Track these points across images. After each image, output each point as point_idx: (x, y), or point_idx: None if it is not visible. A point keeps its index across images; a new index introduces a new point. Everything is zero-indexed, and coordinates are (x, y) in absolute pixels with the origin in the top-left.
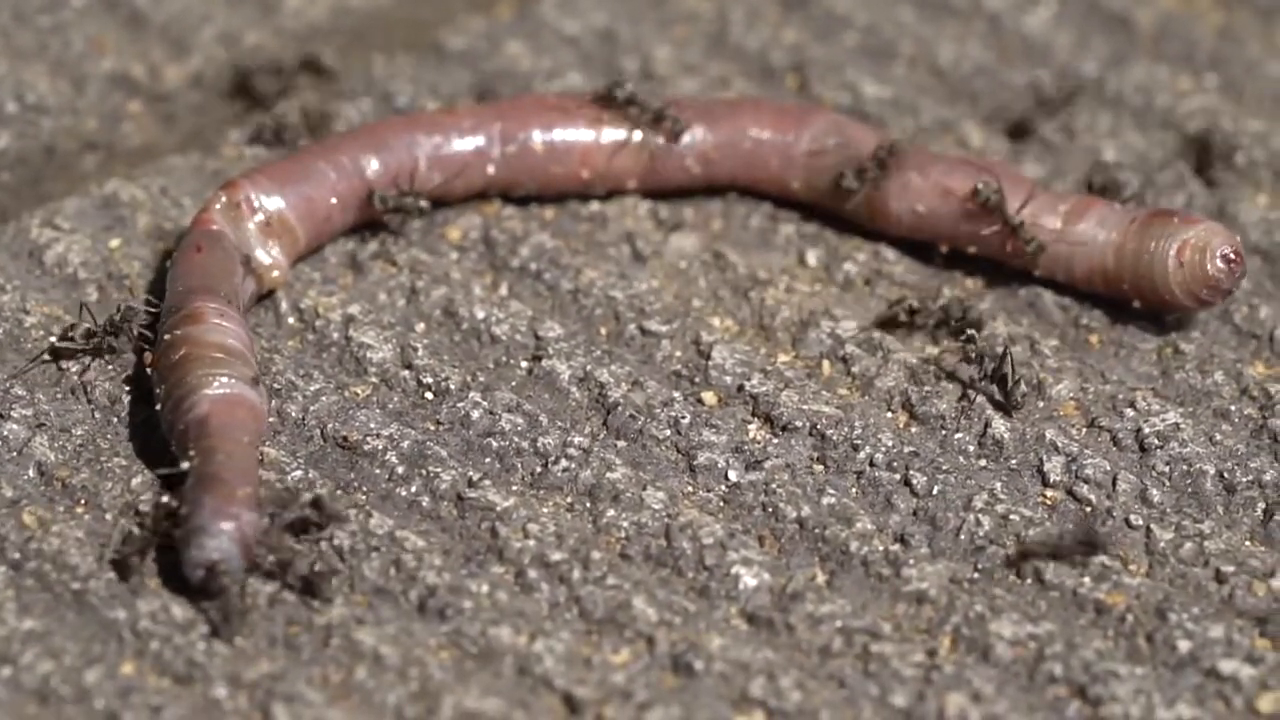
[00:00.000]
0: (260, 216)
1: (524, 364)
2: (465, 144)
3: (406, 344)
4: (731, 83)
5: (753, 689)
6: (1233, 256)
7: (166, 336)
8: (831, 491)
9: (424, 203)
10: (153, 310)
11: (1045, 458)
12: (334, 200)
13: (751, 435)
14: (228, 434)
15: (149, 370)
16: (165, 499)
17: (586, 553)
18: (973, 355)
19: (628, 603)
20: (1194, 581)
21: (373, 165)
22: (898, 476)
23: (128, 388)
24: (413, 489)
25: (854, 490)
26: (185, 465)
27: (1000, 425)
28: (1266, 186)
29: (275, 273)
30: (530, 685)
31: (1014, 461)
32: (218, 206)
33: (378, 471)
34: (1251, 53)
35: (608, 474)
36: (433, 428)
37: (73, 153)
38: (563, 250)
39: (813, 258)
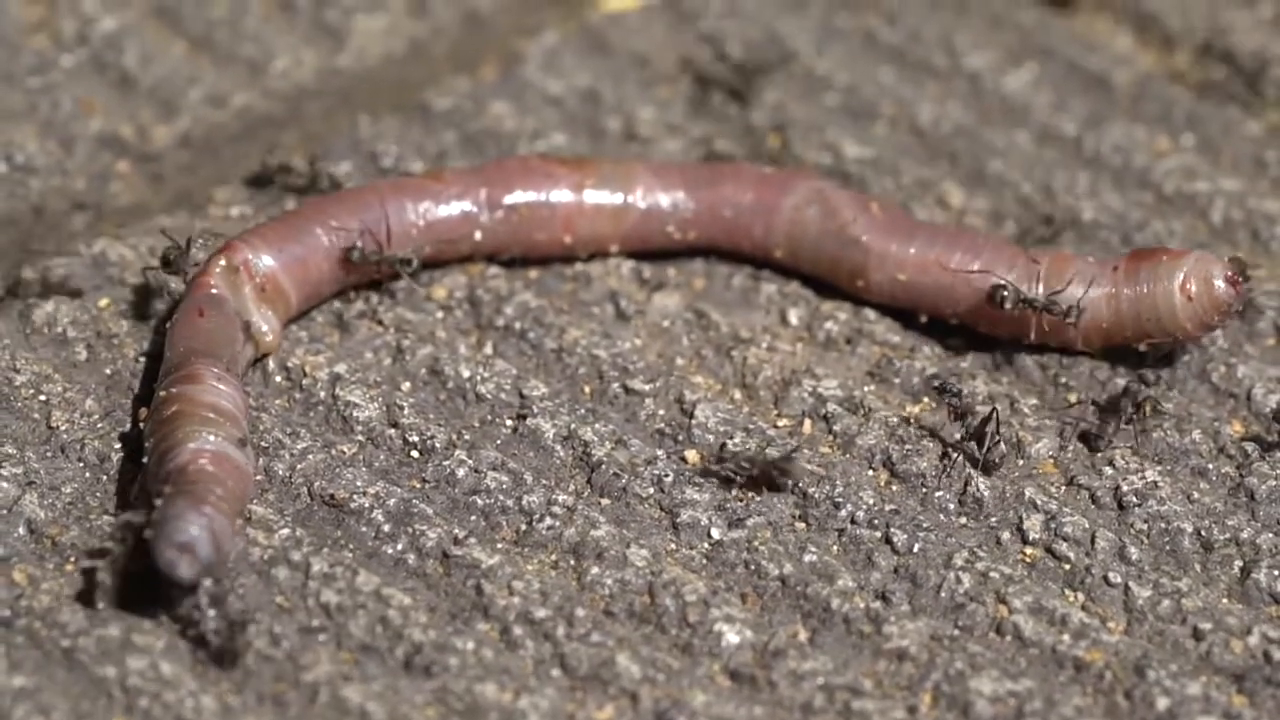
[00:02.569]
0: (257, 280)
1: (509, 422)
2: (453, 210)
3: (392, 402)
4: (714, 143)
5: None
6: (1234, 277)
7: (161, 394)
8: (813, 549)
9: (411, 261)
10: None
11: (1024, 515)
12: (325, 265)
13: (734, 493)
14: (205, 478)
15: (140, 425)
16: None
17: (571, 610)
18: (957, 411)
19: (611, 660)
20: (1172, 639)
21: (358, 231)
22: (879, 534)
23: (117, 445)
24: (399, 546)
25: (835, 548)
26: (158, 502)
27: (980, 483)
28: (1243, 246)
29: (269, 338)
30: None
31: (994, 519)
32: (218, 269)
33: (364, 529)
34: (1228, 113)
35: (592, 532)
36: (418, 485)
37: (62, 213)
38: (547, 309)
39: (794, 317)
